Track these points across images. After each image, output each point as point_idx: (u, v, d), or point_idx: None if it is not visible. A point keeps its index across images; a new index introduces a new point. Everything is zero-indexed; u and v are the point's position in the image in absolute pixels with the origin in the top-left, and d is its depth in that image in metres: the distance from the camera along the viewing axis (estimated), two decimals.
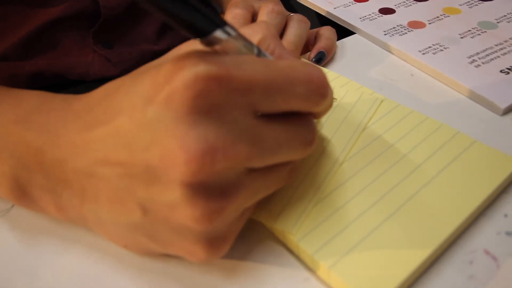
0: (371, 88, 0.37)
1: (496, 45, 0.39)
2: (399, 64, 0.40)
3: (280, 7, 0.38)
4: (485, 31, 0.41)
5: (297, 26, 0.39)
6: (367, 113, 0.32)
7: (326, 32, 0.41)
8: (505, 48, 0.38)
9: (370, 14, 0.46)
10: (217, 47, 0.20)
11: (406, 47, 0.40)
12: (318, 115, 0.24)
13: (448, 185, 0.26)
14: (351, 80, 0.36)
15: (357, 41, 0.44)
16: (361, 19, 0.45)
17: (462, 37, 0.40)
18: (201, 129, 0.18)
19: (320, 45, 0.40)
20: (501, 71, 0.35)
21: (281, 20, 0.38)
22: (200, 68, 0.18)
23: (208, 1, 0.18)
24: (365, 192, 0.26)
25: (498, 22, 0.42)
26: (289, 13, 0.41)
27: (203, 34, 0.19)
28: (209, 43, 0.19)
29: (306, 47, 0.42)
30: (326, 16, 0.48)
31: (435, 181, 0.27)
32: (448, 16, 0.44)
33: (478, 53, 0.38)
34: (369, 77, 0.39)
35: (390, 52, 0.41)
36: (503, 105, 0.32)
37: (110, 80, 0.22)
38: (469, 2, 0.46)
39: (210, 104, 0.18)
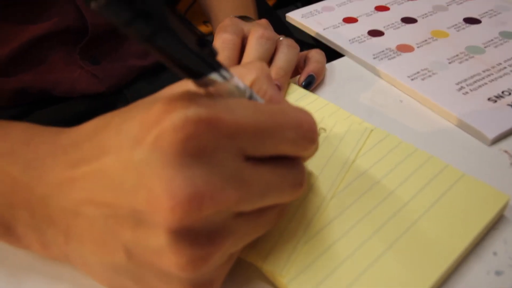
0: (361, 115, 0.37)
1: (484, 71, 0.39)
2: (388, 89, 0.40)
3: (270, 32, 0.38)
4: (473, 56, 0.41)
5: (286, 52, 0.39)
6: (356, 145, 0.32)
7: (315, 55, 0.41)
8: (492, 74, 0.38)
9: (359, 36, 0.46)
10: (210, 88, 0.20)
11: (395, 72, 0.40)
12: (304, 159, 0.24)
13: (437, 224, 0.26)
14: (340, 108, 0.36)
15: (346, 64, 0.44)
16: (350, 41, 0.45)
17: (450, 62, 0.40)
18: (189, 173, 0.17)
19: (309, 69, 0.40)
20: (488, 99, 0.36)
21: (271, 46, 0.38)
22: (190, 111, 0.18)
23: (205, 41, 0.18)
24: (354, 230, 0.26)
25: (485, 47, 0.42)
26: (278, 36, 0.41)
27: (197, 76, 0.19)
28: (203, 84, 0.19)
29: (296, 70, 0.42)
30: (316, 37, 0.48)
31: (424, 218, 0.27)
32: (436, 39, 0.44)
33: (466, 80, 0.38)
34: (358, 102, 0.39)
35: (379, 76, 0.41)
36: (491, 135, 0.33)
37: (96, 96, 0.22)
38: (456, 25, 0.46)
39: (198, 147, 0.18)
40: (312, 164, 0.31)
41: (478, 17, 0.47)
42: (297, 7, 0.54)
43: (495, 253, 0.26)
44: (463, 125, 0.34)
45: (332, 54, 0.46)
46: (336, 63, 0.44)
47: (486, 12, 0.48)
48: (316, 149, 0.24)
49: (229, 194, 0.18)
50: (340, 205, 0.28)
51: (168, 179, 0.17)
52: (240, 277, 0.25)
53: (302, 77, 0.40)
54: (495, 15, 0.47)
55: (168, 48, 0.17)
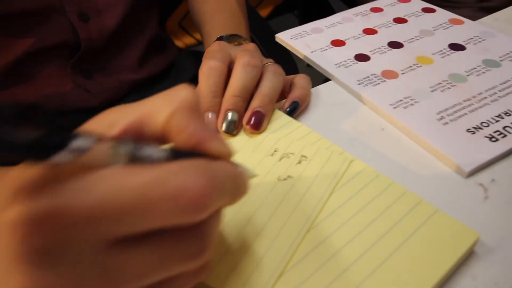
0: (343, 142, 0.38)
1: (465, 101, 0.40)
2: (371, 116, 0.41)
3: (255, 60, 0.39)
4: (455, 85, 0.42)
5: (271, 78, 0.39)
6: (335, 177, 0.33)
7: (301, 80, 0.42)
8: (473, 104, 0.39)
9: (345, 61, 0.47)
10: (73, 163, 0.16)
11: (378, 100, 0.41)
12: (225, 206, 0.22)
13: (407, 261, 0.27)
14: (322, 137, 0.37)
15: (332, 88, 0.45)
16: (336, 66, 0.46)
17: (432, 91, 0.41)
18: (33, 276, 0.16)
19: (294, 95, 0.41)
20: (467, 130, 0.37)
21: (256, 73, 0.39)
22: (29, 206, 0.16)
23: (45, 113, 0.16)
24: (326, 267, 0.27)
25: (468, 75, 0.43)
26: (266, 61, 0.42)
27: (37, 160, 0.16)
28: (57, 164, 0.16)
29: (282, 94, 0.42)
30: (304, 60, 0.49)
31: (395, 256, 0.27)
32: (421, 66, 0.45)
33: (446, 109, 0.39)
34: (341, 130, 0.39)
35: (363, 103, 0.42)
36: (467, 168, 0.33)
37: (89, 111, 0.20)
38: (441, 51, 0.47)
39: (41, 246, 0.16)
40: (290, 195, 0.31)
41: (463, 43, 0.48)
42: (294, 15, 0.54)
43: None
44: (441, 156, 0.35)
45: (321, 76, 0.47)
46: (322, 87, 0.45)
47: (471, 38, 0.49)
48: (235, 198, 0.22)
49: None
50: (313, 242, 0.29)
51: (14, 282, 0.16)
52: None
53: (287, 103, 0.40)
54: (480, 41, 0.48)
55: None
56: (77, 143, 0.16)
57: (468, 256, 0.29)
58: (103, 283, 0.17)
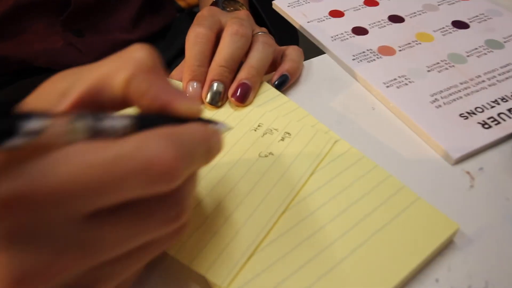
0: (330, 121, 0.36)
1: (461, 83, 0.38)
2: (363, 94, 0.39)
3: (245, 29, 0.37)
4: (453, 65, 0.40)
5: (261, 49, 0.38)
6: (318, 157, 0.32)
7: (292, 52, 0.40)
8: (469, 88, 0.38)
9: (342, 34, 0.45)
10: (31, 145, 0.16)
11: (372, 77, 0.39)
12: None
13: (384, 247, 0.26)
14: (309, 114, 0.36)
15: (325, 62, 0.43)
16: (332, 38, 0.44)
17: (429, 71, 0.39)
18: (9, 258, 0.16)
19: (283, 68, 0.39)
20: (460, 115, 0.35)
21: (245, 43, 0.37)
22: None
23: None
24: (300, 248, 0.27)
25: (468, 56, 0.41)
26: (257, 30, 0.40)
27: None
28: (14, 149, 0.15)
29: (273, 66, 0.41)
30: (299, 30, 0.47)
31: (372, 240, 0.27)
32: (420, 43, 0.43)
33: (441, 91, 0.37)
34: (330, 107, 0.38)
35: (356, 79, 0.40)
36: (455, 155, 0.32)
37: None
38: (443, 28, 0.45)
39: (13, 228, 0.16)
40: (271, 172, 0.31)
41: (467, 21, 0.46)
42: None
43: (437, 280, 0.26)
44: (429, 141, 0.34)
45: (316, 49, 0.45)
46: (315, 60, 0.43)
47: (476, 16, 0.46)
48: (215, 154, 0.21)
49: (65, 264, 0.17)
50: (292, 220, 0.28)
51: None
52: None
53: (275, 76, 0.39)
54: (484, 19, 0.46)
55: None
56: (29, 125, 0.15)
57: (446, 246, 0.28)
58: (83, 255, 0.17)
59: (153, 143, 0.17)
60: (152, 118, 0.19)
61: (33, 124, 0.15)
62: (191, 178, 0.21)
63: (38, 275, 0.16)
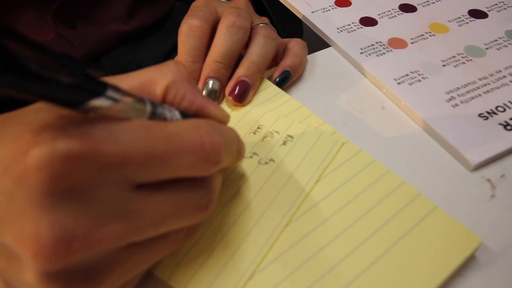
0: (336, 121, 0.33)
1: (480, 79, 0.35)
2: (372, 91, 0.36)
3: (243, 20, 0.34)
4: (471, 59, 0.37)
5: (262, 43, 0.34)
6: (323, 161, 0.29)
7: (295, 46, 0.37)
8: (489, 84, 0.34)
9: (349, 24, 0.41)
10: (99, 112, 0.17)
11: (381, 73, 0.36)
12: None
13: (401, 264, 0.24)
14: (313, 113, 0.33)
15: (331, 56, 0.40)
16: (338, 30, 0.41)
17: (444, 65, 0.36)
18: (58, 214, 0.16)
19: (285, 63, 0.36)
20: (479, 115, 0.32)
21: (243, 36, 0.34)
22: (58, 146, 0.16)
23: (77, 66, 0.16)
24: (308, 266, 0.24)
25: (486, 49, 0.38)
26: (257, 21, 0.37)
27: (72, 105, 0.16)
28: (85, 111, 0.17)
29: (274, 60, 0.38)
30: (303, 20, 0.44)
31: (386, 257, 0.24)
32: (434, 35, 0.39)
33: (458, 89, 0.34)
34: (335, 105, 0.35)
35: (364, 75, 0.37)
36: (474, 161, 0.29)
37: None
38: (459, 18, 0.41)
39: (70, 185, 0.16)
40: (272, 181, 0.28)
41: (485, 10, 0.42)
42: None
43: None
44: (446, 145, 0.31)
45: (320, 41, 0.42)
46: (320, 54, 0.40)
47: (496, 4, 0.43)
48: (235, 161, 0.23)
49: (109, 231, 0.17)
50: (295, 235, 0.25)
51: (33, 221, 0.16)
52: None
53: (277, 72, 0.36)
54: (505, 8, 0.42)
55: (20, 83, 0.14)
56: (110, 92, 0.17)
57: (466, 263, 0.25)
58: (123, 226, 0.18)
59: (205, 127, 0.20)
60: (191, 116, 0.22)
61: (112, 92, 0.17)
62: (219, 174, 0.23)
63: (78, 240, 0.16)
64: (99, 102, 0.17)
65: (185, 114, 0.22)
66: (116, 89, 0.18)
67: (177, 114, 0.21)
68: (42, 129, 0.16)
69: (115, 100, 0.17)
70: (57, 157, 0.16)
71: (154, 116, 0.20)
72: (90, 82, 0.16)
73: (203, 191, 0.21)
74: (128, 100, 0.18)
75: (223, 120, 0.24)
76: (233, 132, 0.23)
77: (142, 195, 0.18)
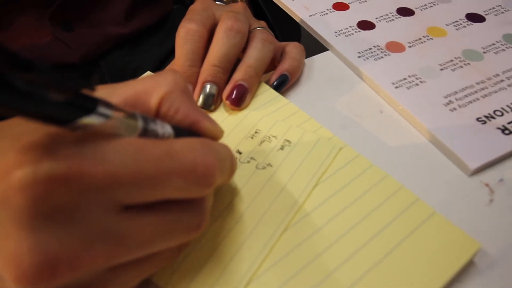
0: (333, 125, 0.33)
1: (478, 83, 0.35)
2: (370, 95, 0.36)
3: (240, 24, 0.34)
4: (469, 63, 0.37)
5: (259, 47, 0.34)
6: (321, 167, 0.29)
7: (293, 50, 0.37)
8: (487, 88, 0.34)
9: (347, 28, 0.41)
10: (89, 130, 0.17)
11: (379, 77, 0.36)
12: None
13: (399, 271, 0.23)
14: (311, 118, 0.32)
15: (328, 60, 0.40)
16: (336, 34, 0.41)
17: (442, 69, 0.36)
18: (40, 237, 0.16)
19: (283, 67, 0.36)
20: (477, 119, 0.32)
21: (241, 40, 0.34)
22: (42, 168, 0.15)
23: (68, 84, 0.15)
24: (306, 272, 0.24)
25: (484, 53, 0.38)
26: (254, 24, 0.37)
27: (61, 123, 0.16)
28: (76, 128, 0.16)
29: (272, 63, 0.38)
30: (300, 23, 0.44)
31: (384, 262, 0.24)
32: (432, 38, 0.39)
33: (456, 93, 0.34)
34: (333, 110, 0.35)
35: (362, 79, 0.37)
36: (473, 166, 0.29)
37: (68, 67, 0.20)
38: (457, 22, 0.41)
39: (54, 207, 0.16)
40: (270, 185, 0.27)
41: (482, 14, 0.42)
42: None
43: None
44: (444, 149, 0.31)
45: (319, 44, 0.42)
46: (317, 58, 0.40)
47: (493, 8, 0.43)
48: (227, 178, 0.23)
49: (96, 253, 0.17)
50: (293, 241, 0.25)
51: (15, 244, 0.16)
52: None
53: (274, 76, 0.36)
54: (502, 12, 0.42)
55: (5, 105, 0.14)
56: (101, 109, 0.16)
57: (465, 269, 0.25)
58: (109, 248, 0.17)
59: (199, 148, 0.19)
60: (185, 132, 0.22)
61: (103, 109, 0.16)
62: (211, 193, 0.22)
63: (62, 263, 0.16)
64: (89, 120, 0.16)
65: (178, 130, 0.21)
66: (107, 104, 0.17)
67: (169, 129, 0.20)
68: (27, 148, 0.16)
69: (106, 117, 0.17)
70: (40, 179, 0.15)
71: (146, 132, 0.19)
72: (80, 99, 0.16)
73: (194, 211, 0.20)
74: (120, 115, 0.18)
75: (216, 135, 0.23)
76: (226, 150, 0.22)
77: (131, 217, 0.18)
